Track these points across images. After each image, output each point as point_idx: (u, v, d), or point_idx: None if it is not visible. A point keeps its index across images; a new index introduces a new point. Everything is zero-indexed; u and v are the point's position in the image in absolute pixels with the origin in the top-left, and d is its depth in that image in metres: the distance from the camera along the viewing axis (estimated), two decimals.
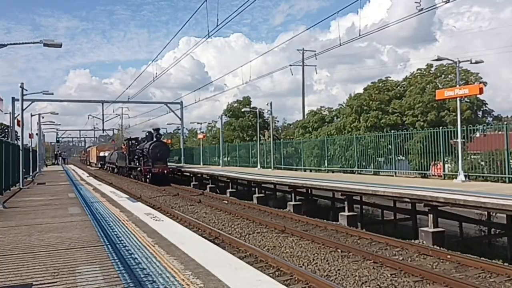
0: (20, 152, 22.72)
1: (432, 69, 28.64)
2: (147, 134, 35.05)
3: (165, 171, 31.64)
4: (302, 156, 28.08)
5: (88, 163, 77.70)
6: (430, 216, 11.52)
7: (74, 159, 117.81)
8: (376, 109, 28.21)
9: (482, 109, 26.88)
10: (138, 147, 35.13)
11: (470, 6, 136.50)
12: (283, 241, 11.15)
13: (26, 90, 23.98)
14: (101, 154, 59.38)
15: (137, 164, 34.63)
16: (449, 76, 26.80)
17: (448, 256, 9.27)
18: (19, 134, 25.83)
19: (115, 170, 46.62)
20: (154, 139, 32.78)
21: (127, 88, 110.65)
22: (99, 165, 60.00)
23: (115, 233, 8.07)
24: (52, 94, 29.33)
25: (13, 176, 20.70)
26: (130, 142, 38.33)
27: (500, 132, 16.33)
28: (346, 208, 14.86)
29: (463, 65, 19.49)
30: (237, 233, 12.45)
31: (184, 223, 12.98)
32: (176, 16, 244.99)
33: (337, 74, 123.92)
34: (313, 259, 9.30)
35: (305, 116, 38.72)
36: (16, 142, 27.20)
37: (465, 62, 17.15)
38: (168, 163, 35.03)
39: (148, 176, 31.14)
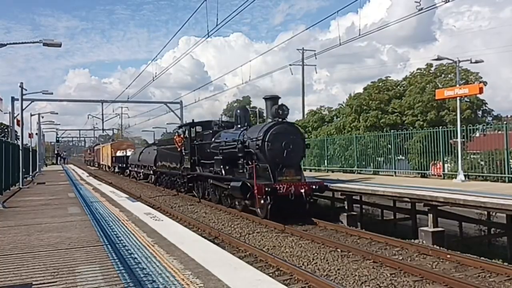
0: (20, 151, 22.72)
1: (432, 68, 28.66)
2: (238, 113, 17.95)
3: (304, 190, 13.71)
4: None
5: (96, 165, 62.01)
6: (430, 215, 11.51)
7: (74, 158, 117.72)
8: (376, 109, 28.23)
9: (482, 108, 26.91)
10: (217, 137, 18.25)
11: (470, 5, 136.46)
12: (283, 240, 11.14)
13: (26, 90, 24.01)
14: (120, 153, 44.08)
15: (219, 170, 16.80)
16: (449, 75, 26.81)
17: (448, 256, 9.26)
18: (19, 133, 25.84)
19: (151, 178, 29.60)
20: (270, 119, 15.59)
21: (126, 88, 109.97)
22: (116, 169, 44.70)
23: (115, 233, 8.07)
24: (52, 93, 29.32)
25: (13, 175, 20.70)
26: (193, 129, 20.73)
27: (500, 132, 16.34)
28: (346, 207, 14.86)
29: (463, 65, 19.51)
30: (237, 233, 12.44)
31: (184, 223, 12.97)
32: (176, 16, 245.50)
33: (337, 73, 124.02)
34: (313, 259, 9.29)
35: (305, 116, 38.73)
36: (15, 141, 27.20)
37: (465, 62, 17.18)
38: None
39: (268, 202, 13.44)
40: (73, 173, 36.64)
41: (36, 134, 43.65)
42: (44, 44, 15.97)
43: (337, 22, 67.88)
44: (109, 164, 48.19)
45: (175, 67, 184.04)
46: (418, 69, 30.01)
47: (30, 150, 33.63)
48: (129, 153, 40.30)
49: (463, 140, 16.85)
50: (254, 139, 14.84)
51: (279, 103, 15.23)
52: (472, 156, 17.87)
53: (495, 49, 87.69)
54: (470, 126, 17.49)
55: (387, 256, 9.39)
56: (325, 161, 25.98)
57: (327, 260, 9.17)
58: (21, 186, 21.28)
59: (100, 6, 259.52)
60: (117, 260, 5.92)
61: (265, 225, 13.42)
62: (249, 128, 16.46)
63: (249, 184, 13.96)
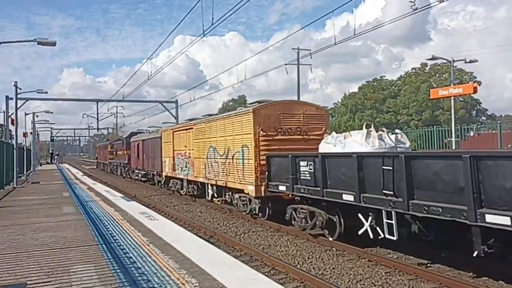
0: (14, 151, 22.61)
1: (427, 68, 28.81)
2: None
3: None
4: None
5: (139, 176, 28.89)
6: None
7: (68, 158, 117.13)
8: (371, 108, 28.36)
9: (476, 108, 27.11)
10: None
11: (464, 5, 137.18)
12: (278, 240, 11.15)
13: (20, 89, 23.91)
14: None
15: None
16: (444, 75, 26.98)
17: (443, 255, 9.29)
18: (13, 133, 25.70)
19: None
20: None
21: (121, 87, 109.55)
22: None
23: (110, 232, 8.06)
24: (46, 93, 29.18)
25: (7, 175, 20.59)
26: None
27: (494, 131, 16.44)
28: None
29: (457, 64, 19.63)
30: (232, 232, 12.43)
31: (179, 222, 12.95)
32: (171, 15, 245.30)
33: (332, 73, 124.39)
34: (308, 258, 9.31)
35: None
36: (10, 141, 27.04)
37: (459, 61, 17.30)
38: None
39: None
40: (68, 173, 36.48)
41: (31, 133, 43.45)
42: (39, 43, 15.90)
43: (332, 22, 68.09)
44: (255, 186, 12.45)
45: (170, 66, 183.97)
46: (412, 68, 30.27)
47: (25, 149, 33.46)
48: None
49: (458, 139, 16.95)
50: None
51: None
52: None
53: (490, 49, 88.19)
54: (464, 126, 17.59)
55: (382, 255, 9.41)
56: None
57: (322, 259, 9.18)
58: (15, 186, 21.18)
59: (95, 5, 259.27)
60: (112, 260, 5.91)
61: (260, 224, 13.42)
62: None
63: None
